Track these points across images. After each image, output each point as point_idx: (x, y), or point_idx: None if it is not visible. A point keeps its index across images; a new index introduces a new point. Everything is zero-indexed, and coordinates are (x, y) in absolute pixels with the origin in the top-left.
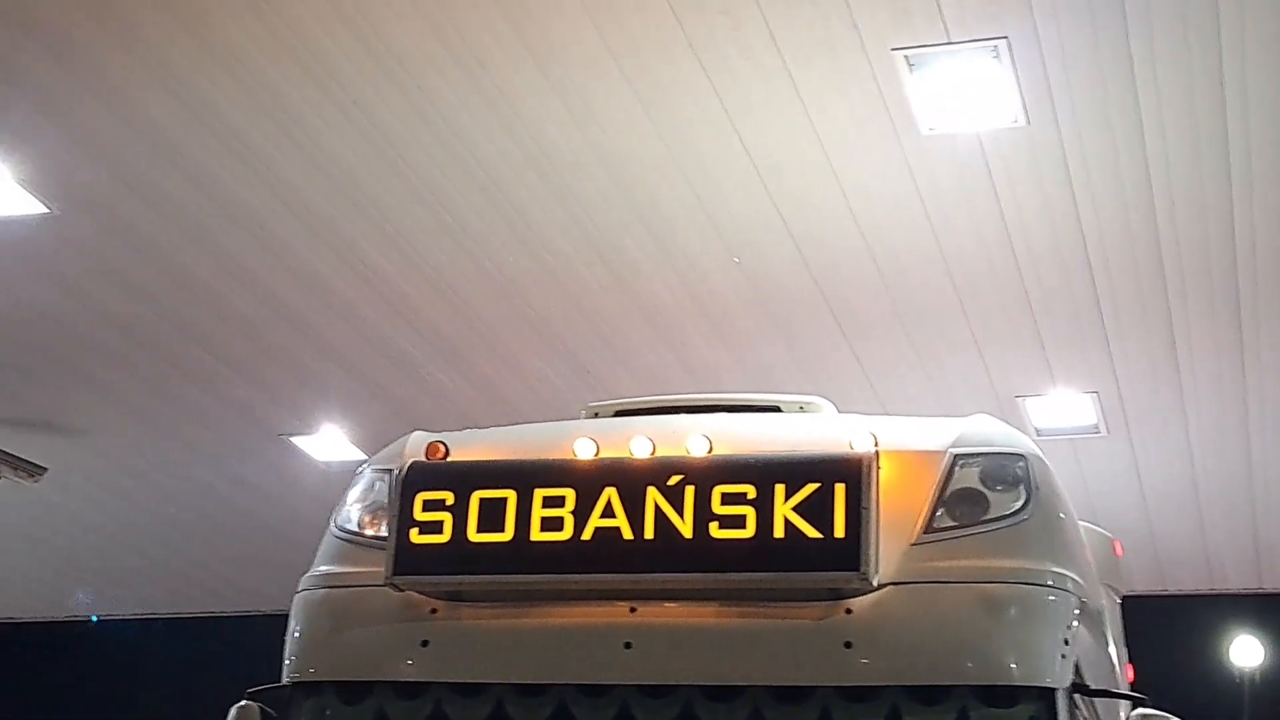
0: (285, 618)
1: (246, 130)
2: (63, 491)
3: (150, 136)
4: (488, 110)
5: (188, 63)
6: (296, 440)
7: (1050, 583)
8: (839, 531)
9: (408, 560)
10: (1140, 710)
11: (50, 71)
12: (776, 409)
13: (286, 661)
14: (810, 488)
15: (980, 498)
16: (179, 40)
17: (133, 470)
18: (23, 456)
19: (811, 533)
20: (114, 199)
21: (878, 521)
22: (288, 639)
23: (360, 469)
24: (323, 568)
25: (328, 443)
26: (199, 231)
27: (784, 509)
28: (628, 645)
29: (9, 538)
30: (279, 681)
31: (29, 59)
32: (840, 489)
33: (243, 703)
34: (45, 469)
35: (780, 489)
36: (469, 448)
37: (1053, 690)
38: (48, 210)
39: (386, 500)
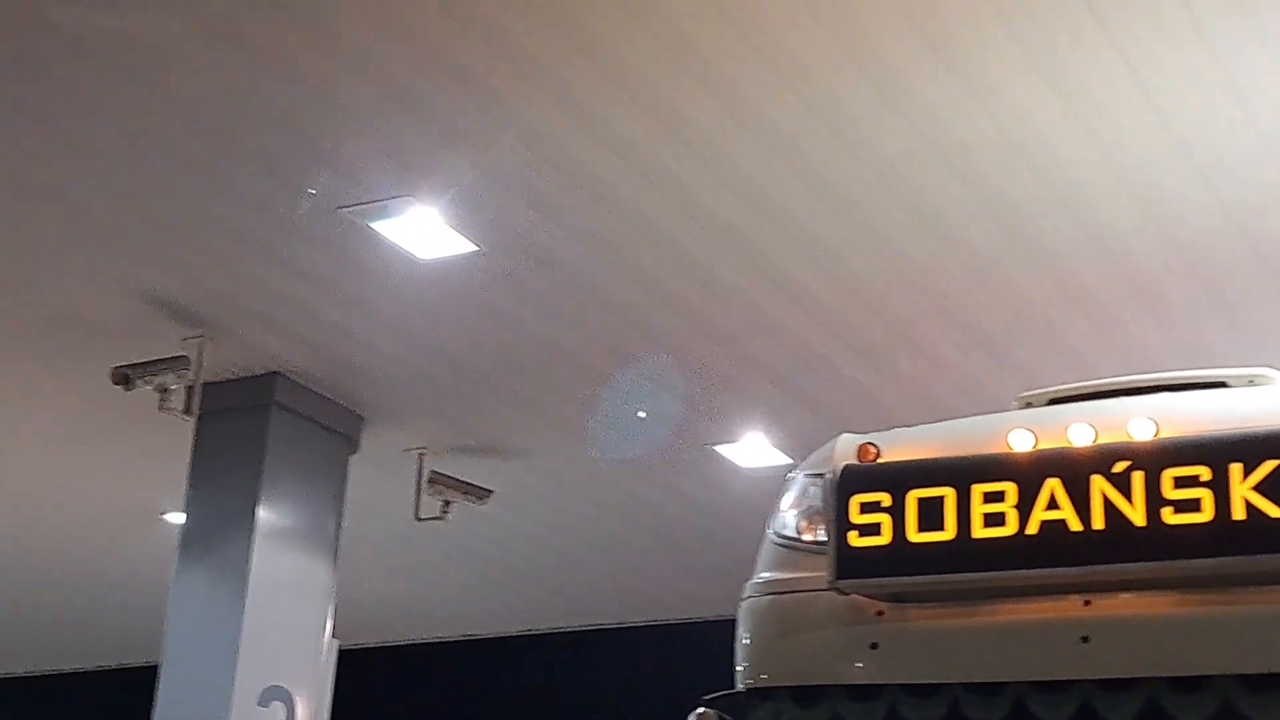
0: (726, 623)
1: (650, 148)
2: (510, 511)
3: (561, 166)
4: (892, 110)
5: (590, 89)
6: (721, 449)
7: None
8: None
9: (849, 563)
10: None
11: (469, 116)
12: (1223, 384)
13: (739, 668)
14: (1270, 465)
15: None
16: (578, 66)
17: (572, 487)
18: (471, 481)
19: (1275, 512)
20: (534, 231)
21: None
22: (738, 646)
23: (792, 475)
24: (765, 574)
25: (751, 449)
26: (613, 254)
27: (1242, 489)
28: (1085, 639)
29: (463, 558)
30: (729, 686)
31: (455, 109)
32: None
33: (700, 710)
34: (491, 491)
35: (1237, 468)
36: (899, 447)
37: None
38: (476, 248)
39: (821, 505)
